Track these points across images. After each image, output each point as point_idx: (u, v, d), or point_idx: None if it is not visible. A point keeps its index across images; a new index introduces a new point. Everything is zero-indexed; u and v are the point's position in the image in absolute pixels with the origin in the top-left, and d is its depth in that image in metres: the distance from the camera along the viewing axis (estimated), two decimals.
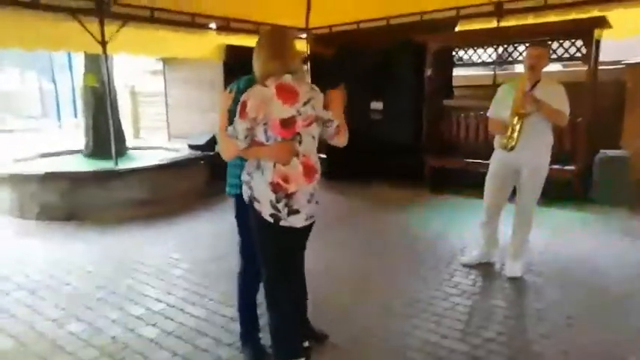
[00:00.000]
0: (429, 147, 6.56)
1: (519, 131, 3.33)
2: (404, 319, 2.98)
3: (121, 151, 6.71)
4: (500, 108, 3.53)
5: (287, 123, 2.12)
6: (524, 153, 3.37)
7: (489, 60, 6.52)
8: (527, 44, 3.59)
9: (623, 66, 5.81)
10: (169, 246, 4.47)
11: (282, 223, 2.18)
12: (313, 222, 2.35)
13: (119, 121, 7.22)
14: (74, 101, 16.82)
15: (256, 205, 2.20)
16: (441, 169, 6.52)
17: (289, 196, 2.16)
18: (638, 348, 2.62)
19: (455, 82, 6.93)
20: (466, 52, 6.65)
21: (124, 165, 5.99)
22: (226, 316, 3.04)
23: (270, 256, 2.30)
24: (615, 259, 3.89)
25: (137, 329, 2.91)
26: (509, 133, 3.38)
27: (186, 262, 4.04)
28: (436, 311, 3.08)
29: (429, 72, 6.43)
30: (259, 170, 2.18)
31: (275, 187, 2.15)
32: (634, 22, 5.31)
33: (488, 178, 3.70)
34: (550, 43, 5.67)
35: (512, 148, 3.38)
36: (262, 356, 2.55)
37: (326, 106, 2.29)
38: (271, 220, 2.18)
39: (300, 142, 2.17)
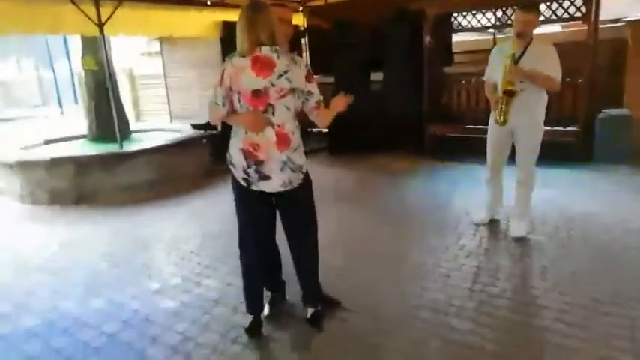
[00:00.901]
0: (429, 115, 6.57)
1: (509, 106, 3.37)
2: (412, 282, 3.08)
3: (125, 133, 6.73)
4: (492, 71, 3.59)
5: (258, 94, 2.24)
6: (517, 116, 3.42)
7: (488, 24, 6.47)
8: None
9: (623, 23, 5.75)
10: (179, 223, 4.57)
11: (252, 187, 2.35)
12: (294, 189, 2.40)
13: (121, 103, 7.21)
14: (74, 87, 16.71)
15: (232, 170, 2.39)
16: (442, 136, 6.55)
17: (259, 163, 2.29)
18: None
19: (455, 49, 6.89)
20: (465, 17, 6.59)
21: (129, 147, 6.04)
22: (240, 286, 3.12)
23: (242, 219, 2.49)
24: (620, 216, 3.94)
25: (156, 302, 3.03)
26: (499, 108, 3.43)
27: (197, 238, 4.14)
28: (444, 272, 3.17)
29: (427, 39, 6.40)
30: (234, 136, 2.37)
31: (245, 154, 2.30)
32: None
33: (488, 136, 3.78)
34: (549, 3, 5.63)
35: (504, 123, 3.44)
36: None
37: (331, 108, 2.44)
38: (244, 184, 2.36)
39: (273, 113, 2.27)
